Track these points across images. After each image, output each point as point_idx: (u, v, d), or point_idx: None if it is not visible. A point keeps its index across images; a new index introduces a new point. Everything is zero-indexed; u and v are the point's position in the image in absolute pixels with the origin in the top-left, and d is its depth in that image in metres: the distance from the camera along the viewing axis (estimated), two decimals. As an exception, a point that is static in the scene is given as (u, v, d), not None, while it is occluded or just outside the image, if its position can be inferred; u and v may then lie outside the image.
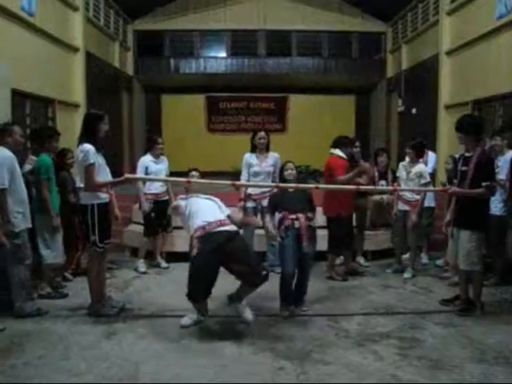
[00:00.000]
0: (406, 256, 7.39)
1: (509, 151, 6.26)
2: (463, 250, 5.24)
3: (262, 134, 7.00)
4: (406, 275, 6.83)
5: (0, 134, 5.20)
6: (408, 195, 6.81)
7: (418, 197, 6.75)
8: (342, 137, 6.90)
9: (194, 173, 5.87)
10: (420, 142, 7.04)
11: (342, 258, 7.16)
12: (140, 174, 6.94)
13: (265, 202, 6.78)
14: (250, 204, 6.93)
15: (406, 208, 6.83)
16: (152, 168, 7.02)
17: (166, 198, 7.27)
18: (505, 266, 6.39)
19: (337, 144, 6.79)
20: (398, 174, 7.11)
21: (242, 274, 4.81)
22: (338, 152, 6.73)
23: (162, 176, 7.08)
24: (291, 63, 14.35)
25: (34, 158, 6.08)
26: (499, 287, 6.24)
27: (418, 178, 6.71)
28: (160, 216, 7.21)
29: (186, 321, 4.97)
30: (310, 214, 5.36)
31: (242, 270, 4.77)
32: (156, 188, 7.13)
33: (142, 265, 7.17)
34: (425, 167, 6.95)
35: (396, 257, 7.20)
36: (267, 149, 7.05)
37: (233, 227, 5.01)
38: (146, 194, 7.06)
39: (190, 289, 4.75)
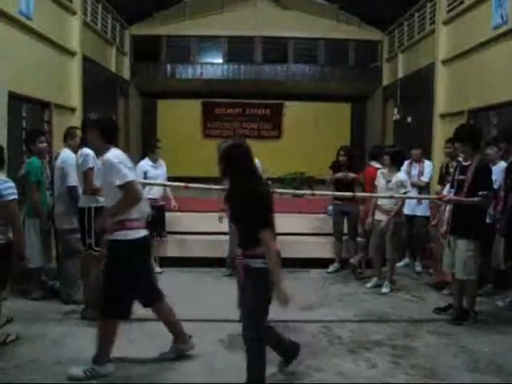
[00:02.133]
0: (400, 264, 7.39)
1: (500, 161, 6.27)
2: (460, 258, 5.25)
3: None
4: (383, 290, 6.59)
5: (65, 136, 6.01)
6: (388, 204, 6.65)
7: (395, 207, 6.58)
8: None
9: None
10: (397, 150, 6.99)
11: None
12: (138, 178, 6.95)
13: None
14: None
15: (384, 218, 6.62)
16: (151, 173, 7.06)
17: (163, 203, 7.34)
18: (497, 274, 6.39)
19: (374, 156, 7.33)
20: (376, 183, 6.86)
21: None
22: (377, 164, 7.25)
23: (161, 181, 7.12)
24: (287, 70, 14.36)
25: (28, 161, 6.10)
26: (492, 296, 6.25)
27: (397, 187, 6.53)
28: (156, 221, 7.23)
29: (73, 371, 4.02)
30: (247, 251, 3.62)
31: None
32: (154, 193, 7.18)
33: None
34: (405, 176, 6.78)
35: (375, 270, 6.98)
36: None
37: None
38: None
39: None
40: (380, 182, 6.76)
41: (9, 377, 3.94)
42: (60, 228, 5.85)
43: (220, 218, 6.81)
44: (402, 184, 6.57)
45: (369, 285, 6.85)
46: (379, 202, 6.69)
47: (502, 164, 6.20)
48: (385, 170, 6.82)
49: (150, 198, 7.14)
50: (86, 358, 4.26)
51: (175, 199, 7.65)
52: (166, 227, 7.50)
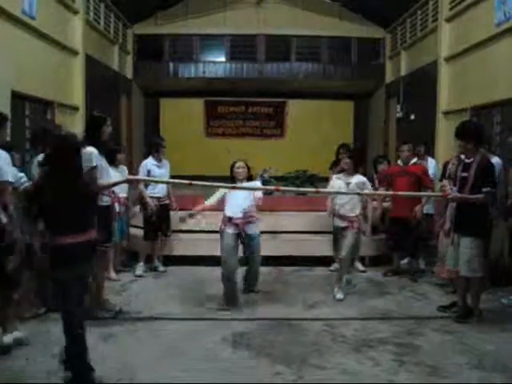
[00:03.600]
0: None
1: (494, 157, 6.24)
2: (464, 256, 5.23)
3: (241, 163, 6.06)
4: (349, 284, 6.51)
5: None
6: (348, 211, 6.27)
7: (357, 212, 6.27)
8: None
9: None
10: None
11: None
12: (142, 176, 6.95)
13: (249, 229, 5.86)
14: (230, 230, 5.78)
15: (343, 224, 6.26)
16: (155, 172, 7.05)
17: (167, 201, 7.32)
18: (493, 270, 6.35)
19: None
20: (331, 184, 6.54)
21: None
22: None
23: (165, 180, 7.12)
24: (290, 68, 14.35)
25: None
26: (497, 293, 6.23)
27: (359, 188, 6.19)
28: (161, 220, 7.22)
29: None
30: None
31: None
32: (159, 192, 7.16)
33: (139, 268, 7.16)
34: (363, 176, 6.43)
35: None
36: (250, 178, 6.13)
37: None
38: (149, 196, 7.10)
39: None
40: (336, 184, 6.37)
41: (12, 376, 3.95)
42: None
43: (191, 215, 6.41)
44: (364, 184, 6.29)
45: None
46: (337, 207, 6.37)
47: (495, 160, 6.17)
48: (340, 175, 6.45)
49: (155, 197, 7.15)
50: (91, 357, 4.27)
51: (179, 197, 7.64)
52: (170, 226, 7.47)
